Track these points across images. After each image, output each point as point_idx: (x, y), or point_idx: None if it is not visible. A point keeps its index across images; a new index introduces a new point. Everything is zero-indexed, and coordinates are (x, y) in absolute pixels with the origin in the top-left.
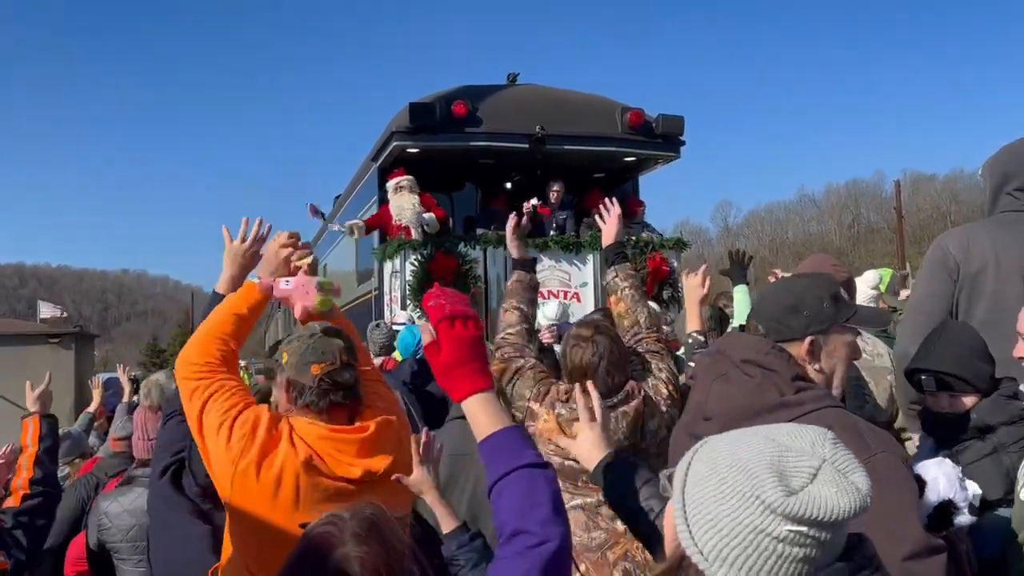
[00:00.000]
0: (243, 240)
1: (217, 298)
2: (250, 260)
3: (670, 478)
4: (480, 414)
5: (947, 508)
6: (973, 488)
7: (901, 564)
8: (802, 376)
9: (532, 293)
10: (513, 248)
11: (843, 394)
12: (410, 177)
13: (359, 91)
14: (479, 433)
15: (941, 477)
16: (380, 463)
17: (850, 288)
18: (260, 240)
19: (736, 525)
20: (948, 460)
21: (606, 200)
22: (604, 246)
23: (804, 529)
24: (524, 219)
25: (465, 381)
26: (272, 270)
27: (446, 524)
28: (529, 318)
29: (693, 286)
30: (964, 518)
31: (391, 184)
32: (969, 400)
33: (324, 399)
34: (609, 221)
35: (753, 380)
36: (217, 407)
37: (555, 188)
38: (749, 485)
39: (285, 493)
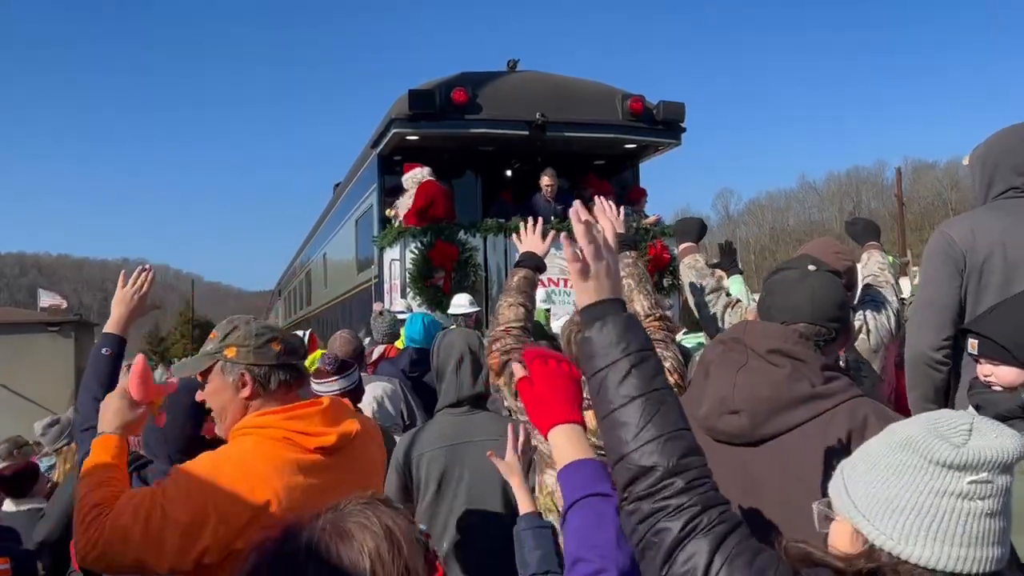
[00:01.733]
0: (132, 285)
1: (107, 337)
2: (139, 303)
3: (828, 504)
4: (566, 443)
5: None
6: None
7: None
8: (830, 366)
9: (534, 291)
10: (543, 245)
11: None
12: (425, 169)
13: (359, 78)
14: (561, 461)
15: None
16: (351, 426)
17: (851, 276)
18: (147, 283)
19: (917, 496)
20: None
21: (599, 198)
22: None
23: (983, 476)
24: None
25: (557, 411)
26: (137, 310)
27: (524, 507)
28: (531, 315)
29: None
30: None
31: (405, 177)
32: (1014, 374)
33: (294, 372)
34: (602, 219)
35: (782, 370)
36: (172, 511)
37: (547, 180)
38: (917, 455)
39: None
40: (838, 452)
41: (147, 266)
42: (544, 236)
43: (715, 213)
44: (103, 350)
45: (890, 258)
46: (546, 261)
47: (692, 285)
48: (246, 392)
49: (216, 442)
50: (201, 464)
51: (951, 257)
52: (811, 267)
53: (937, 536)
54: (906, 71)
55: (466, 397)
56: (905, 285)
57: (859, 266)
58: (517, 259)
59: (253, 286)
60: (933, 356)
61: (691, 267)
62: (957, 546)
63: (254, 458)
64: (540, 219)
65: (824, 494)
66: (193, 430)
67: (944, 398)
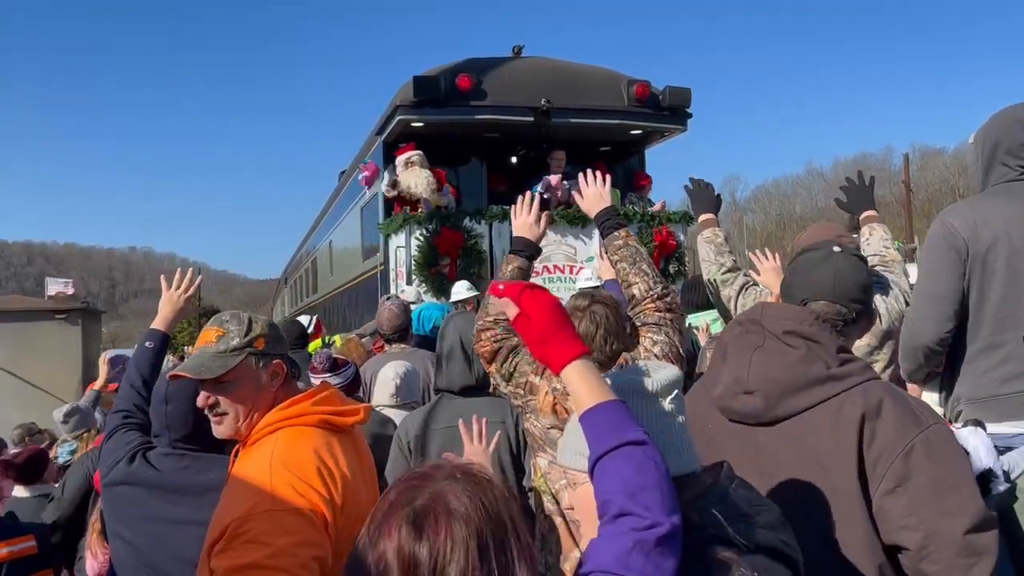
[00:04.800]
0: (177, 287)
1: (152, 333)
2: (184, 304)
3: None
4: (580, 385)
5: (986, 477)
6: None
7: (964, 538)
8: (845, 348)
9: (528, 280)
10: (535, 230)
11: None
12: (420, 152)
13: (365, 65)
14: (579, 405)
15: (981, 447)
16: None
17: None
18: (193, 286)
19: (649, 423)
20: (980, 429)
21: (583, 174)
22: (592, 217)
23: (676, 393)
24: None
25: (562, 349)
26: (183, 311)
27: None
28: None
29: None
30: (1002, 486)
31: (401, 159)
32: None
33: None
34: (586, 192)
35: (797, 352)
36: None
37: (557, 157)
38: (633, 395)
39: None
40: (850, 433)
41: (192, 268)
42: (539, 218)
43: (722, 199)
44: (147, 343)
45: (895, 243)
46: (553, 247)
47: (708, 262)
48: (279, 382)
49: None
50: (255, 495)
51: (952, 247)
52: (836, 248)
53: (674, 447)
54: (914, 56)
55: (459, 387)
56: (912, 271)
57: (862, 242)
58: (512, 244)
59: (259, 274)
60: (935, 348)
61: (710, 241)
62: (684, 452)
63: (299, 453)
64: (537, 196)
65: (836, 473)
66: (196, 420)
67: (926, 376)
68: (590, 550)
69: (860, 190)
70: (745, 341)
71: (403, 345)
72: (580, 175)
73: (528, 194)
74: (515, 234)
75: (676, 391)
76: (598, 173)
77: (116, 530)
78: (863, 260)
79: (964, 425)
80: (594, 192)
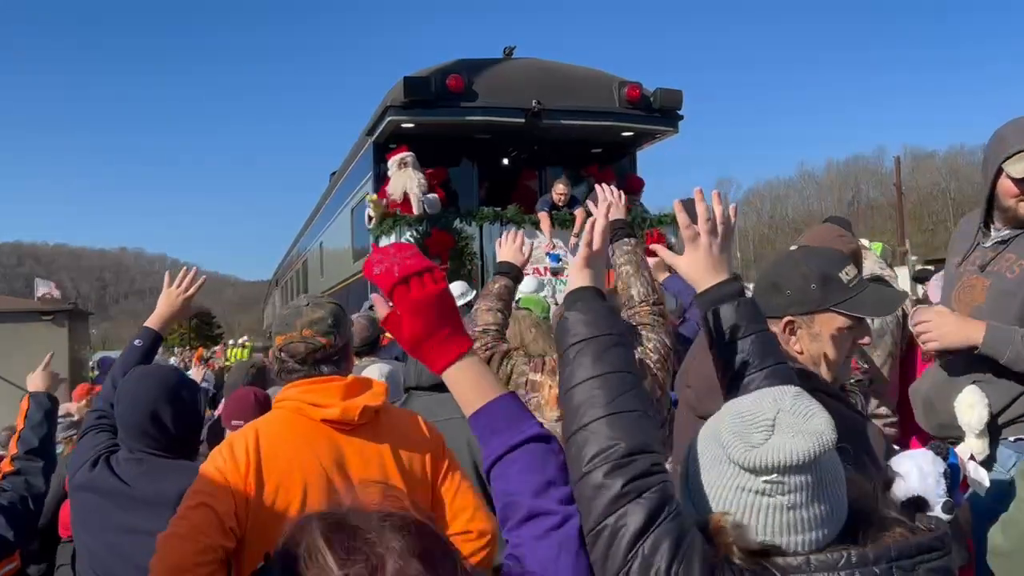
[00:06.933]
0: (178, 286)
1: (144, 331)
2: (182, 305)
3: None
4: (463, 384)
5: (918, 503)
6: (979, 476)
7: None
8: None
9: (512, 299)
10: (519, 257)
11: (835, 378)
12: (412, 153)
13: (356, 65)
14: (467, 407)
15: (914, 471)
16: (360, 402)
17: (857, 260)
18: (192, 286)
19: (721, 490)
20: (931, 453)
21: (601, 185)
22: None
23: (775, 477)
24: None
25: (439, 350)
26: (181, 311)
27: None
28: (507, 321)
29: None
30: (942, 514)
31: (394, 160)
32: None
33: (289, 368)
34: (602, 200)
35: None
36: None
37: (560, 191)
38: (721, 449)
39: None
40: None
41: (195, 268)
42: (522, 247)
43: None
44: (136, 341)
45: (878, 245)
46: (538, 252)
47: None
48: (274, 370)
49: (181, 436)
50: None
51: None
52: (793, 247)
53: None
54: (907, 59)
55: (427, 384)
56: (903, 273)
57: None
58: (497, 267)
59: (250, 276)
60: None
61: None
62: (763, 535)
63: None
64: (521, 233)
65: None
66: (150, 423)
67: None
68: (508, 562)
69: (843, 224)
70: (701, 342)
71: (372, 358)
72: (597, 186)
73: (512, 231)
74: (501, 259)
75: (803, 475)
76: (614, 187)
77: (78, 533)
78: (802, 251)
79: (936, 447)
80: (611, 201)
